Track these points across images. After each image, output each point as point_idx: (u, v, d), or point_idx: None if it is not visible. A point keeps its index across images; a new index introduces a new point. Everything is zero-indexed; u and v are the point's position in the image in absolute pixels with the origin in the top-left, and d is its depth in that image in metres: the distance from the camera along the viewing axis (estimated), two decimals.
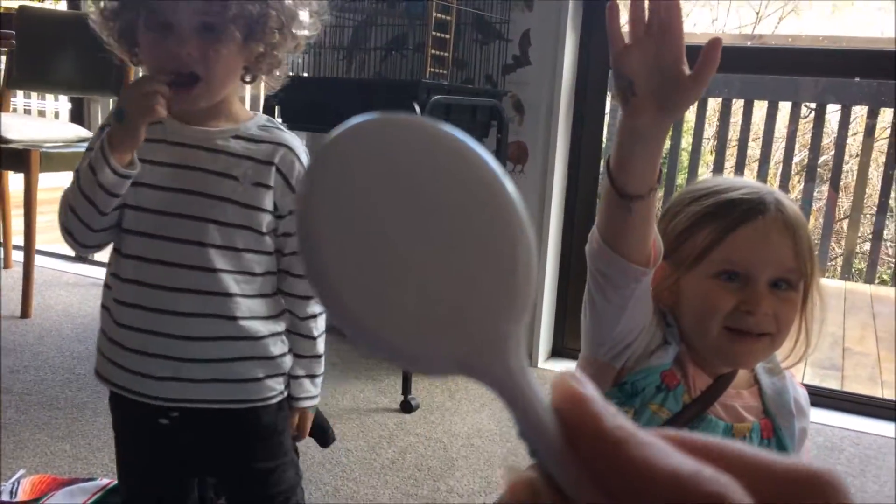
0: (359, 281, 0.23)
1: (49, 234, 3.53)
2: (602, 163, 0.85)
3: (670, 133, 3.92)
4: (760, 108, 3.83)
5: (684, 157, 4.17)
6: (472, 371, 0.24)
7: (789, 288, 0.87)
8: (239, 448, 1.14)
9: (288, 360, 1.16)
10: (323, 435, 1.41)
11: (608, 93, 2.30)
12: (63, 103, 4.58)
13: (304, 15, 1.06)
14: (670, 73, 0.72)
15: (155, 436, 1.13)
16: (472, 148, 0.25)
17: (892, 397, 2.23)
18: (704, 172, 4.08)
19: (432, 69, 2.06)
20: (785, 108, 3.72)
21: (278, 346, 1.14)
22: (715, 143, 4.43)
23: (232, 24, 0.97)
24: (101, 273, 3.04)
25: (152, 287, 1.05)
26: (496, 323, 0.24)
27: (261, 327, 1.11)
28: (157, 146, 1.07)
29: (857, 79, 2.18)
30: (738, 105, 3.97)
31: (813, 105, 3.86)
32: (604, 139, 2.33)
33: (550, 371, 2.29)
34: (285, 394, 1.16)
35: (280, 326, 1.14)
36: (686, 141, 4.15)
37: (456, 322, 0.24)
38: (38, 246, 2.62)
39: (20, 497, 1.38)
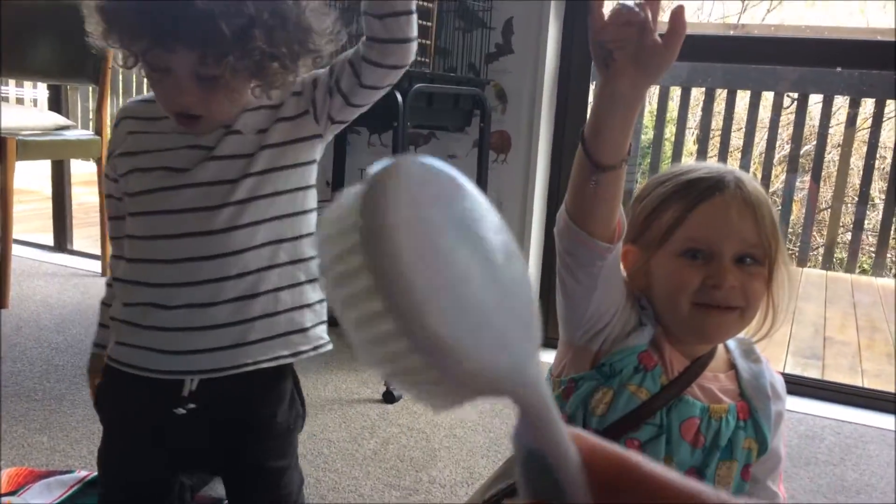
0: (437, 297, 0.26)
1: (27, 224, 3.49)
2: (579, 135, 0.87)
3: (654, 123, 3.92)
4: (743, 98, 3.85)
5: (668, 147, 4.18)
6: (512, 385, 0.28)
7: (755, 263, 0.90)
8: (253, 445, 1.14)
9: (320, 309, 1.16)
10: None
11: (592, 81, 2.30)
12: (41, 91, 4.51)
13: (323, 23, 1.04)
14: (645, 41, 0.75)
15: (165, 430, 1.12)
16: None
17: (872, 386, 2.25)
18: (667, 163, 4.08)
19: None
20: (767, 97, 3.73)
21: (316, 292, 1.14)
22: (698, 132, 4.44)
23: (229, 73, 0.96)
24: (79, 263, 3.01)
25: (188, 260, 1.06)
26: (531, 348, 0.29)
27: (300, 274, 1.11)
28: (165, 136, 1.08)
29: (838, 69, 2.18)
30: (721, 95, 3.98)
31: (795, 95, 3.88)
32: None
33: None
34: (327, 348, 1.15)
35: (313, 269, 1.14)
36: (669, 131, 4.17)
37: (503, 342, 0.27)
38: (16, 235, 2.59)
39: None
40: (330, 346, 1.16)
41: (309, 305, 1.13)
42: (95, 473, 1.42)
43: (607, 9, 0.77)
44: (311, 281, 1.13)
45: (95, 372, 1.19)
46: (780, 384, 0.98)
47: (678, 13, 0.74)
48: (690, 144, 4.67)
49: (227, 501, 1.33)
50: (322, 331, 1.16)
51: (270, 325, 1.09)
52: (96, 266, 2.93)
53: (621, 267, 0.90)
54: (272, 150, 1.08)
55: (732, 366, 0.97)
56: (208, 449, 1.15)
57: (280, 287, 1.10)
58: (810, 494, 1.58)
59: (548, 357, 2.31)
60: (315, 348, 1.14)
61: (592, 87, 2.31)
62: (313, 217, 1.14)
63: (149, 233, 1.08)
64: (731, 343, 0.99)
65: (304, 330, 1.13)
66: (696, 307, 0.88)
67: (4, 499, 1.24)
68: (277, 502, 1.16)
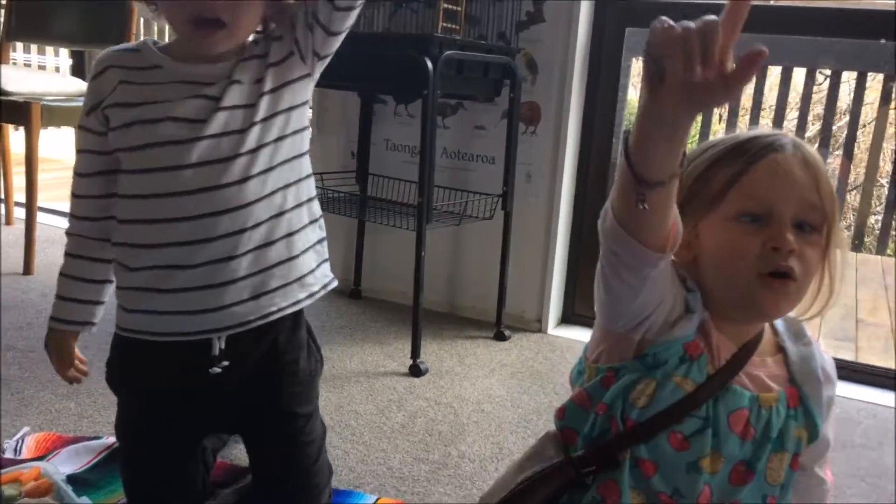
0: None
1: (51, 192, 3.48)
2: (621, 140, 0.81)
3: None
4: (772, 76, 3.75)
5: (692, 128, 4.09)
6: None
7: (813, 231, 0.84)
8: (280, 393, 1.13)
9: (324, 250, 1.16)
10: None
11: (624, 52, 2.24)
12: (64, 59, 4.50)
13: None
14: (704, 72, 0.64)
15: (196, 393, 1.11)
16: None
17: None
18: (694, 139, 3.99)
19: (444, 24, 1.99)
20: (799, 74, 3.64)
21: (316, 231, 1.14)
22: (720, 111, 4.35)
23: None
24: None
25: (209, 216, 1.03)
26: None
27: (305, 216, 1.11)
28: (165, 86, 1.04)
29: (882, 41, 2.11)
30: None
31: (828, 72, 3.78)
32: (619, 101, 2.27)
33: (561, 338, 2.26)
34: (333, 284, 1.15)
35: (316, 210, 1.14)
36: None
37: None
38: (41, 203, 2.58)
39: (24, 455, 1.35)
40: (335, 283, 1.16)
41: (313, 246, 1.12)
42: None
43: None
44: (313, 221, 1.13)
45: (55, 347, 1.17)
46: (831, 366, 0.93)
47: (754, 57, 0.62)
48: (716, 125, 4.58)
49: (246, 460, 1.31)
50: (327, 268, 1.16)
51: (287, 271, 1.09)
52: None
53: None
54: (269, 96, 1.07)
55: (780, 349, 0.92)
56: (235, 406, 1.13)
57: (291, 232, 1.09)
58: (849, 479, 1.55)
59: (575, 334, 2.27)
60: (324, 287, 1.15)
61: (624, 60, 2.25)
62: (308, 158, 1.13)
63: (160, 190, 1.04)
64: (779, 324, 0.94)
65: (313, 270, 1.13)
66: (758, 278, 0.81)
67: (33, 463, 1.23)
68: (303, 449, 1.15)
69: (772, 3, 2.43)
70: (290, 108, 1.09)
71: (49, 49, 4.71)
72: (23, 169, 2.37)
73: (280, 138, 1.07)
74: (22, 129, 2.36)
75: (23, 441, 1.40)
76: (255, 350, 1.10)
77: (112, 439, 1.41)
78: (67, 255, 1.14)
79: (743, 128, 0.93)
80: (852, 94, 3.60)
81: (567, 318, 2.39)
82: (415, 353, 1.90)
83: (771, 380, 0.88)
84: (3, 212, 2.93)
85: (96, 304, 1.16)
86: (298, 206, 1.10)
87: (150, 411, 1.14)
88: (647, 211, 0.72)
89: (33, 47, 4.54)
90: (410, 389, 1.80)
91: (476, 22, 2.16)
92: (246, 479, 1.32)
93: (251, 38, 1.10)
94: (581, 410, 0.91)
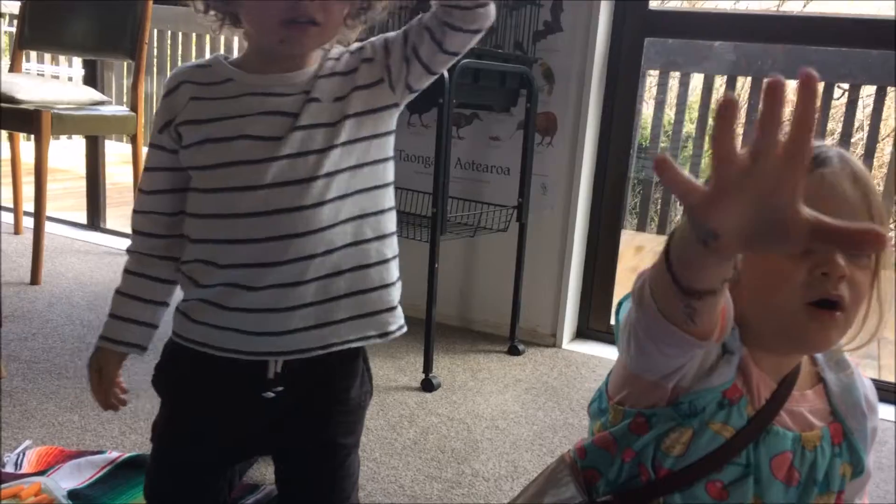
0: None
1: (60, 202, 3.47)
2: (665, 238, 0.71)
3: (697, 113, 3.80)
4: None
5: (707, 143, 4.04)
6: None
7: (862, 254, 0.74)
8: (327, 421, 1.08)
9: (400, 287, 1.10)
10: None
11: (643, 63, 2.20)
12: (77, 69, 4.50)
13: None
14: (778, 214, 0.50)
15: (245, 412, 1.07)
16: None
17: None
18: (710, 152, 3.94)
19: None
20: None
21: (398, 271, 1.09)
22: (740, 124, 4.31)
23: None
24: (112, 241, 2.97)
25: (280, 239, 0.99)
26: None
27: (386, 250, 1.06)
28: (238, 100, 1.02)
29: None
30: (746, 81, 3.85)
31: (846, 85, 3.74)
32: (637, 112, 2.23)
33: (576, 353, 2.20)
34: (404, 329, 1.09)
35: (396, 246, 1.08)
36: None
37: None
38: (50, 213, 2.56)
39: (25, 469, 1.31)
40: (405, 329, 1.09)
41: (394, 283, 1.08)
42: (127, 455, 1.37)
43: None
44: (395, 258, 1.08)
45: (100, 368, 1.11)
46: (873, 393, 0.85)
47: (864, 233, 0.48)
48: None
49: (264, 486, 1.27)
50: (401, 311, 1.11)
51: (358, 304, 1.04)
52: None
53: None
54: (353, 119, 1.02)
55: (820, 379, 0.84)
56: (280, 430, 1.10)
57: (366, 264, 1.04)
58: (879, 500, 1.49)
59: (590, 349, 2.21)
60: (400, 328, 1.09)
61: (643, 70, 2.21)
62: (392, 190, 1.08)
63: (232, 210, 1.00)
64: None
65: (392, 308, 1.07)
66: (804, 308, 0.73)
67: (34, 479, 1.19)
68: (340, 483, 1.11)
69: (786, 11, 2.38)
70: (374, 136, 1.04)
71: (62, 60, 4.71)
72: (32, 179, 2.35)
73: (360, 165, 1.01)
74: (32, 138, 2.34)
75: (24, 455, 1.36)
76: (309, 376, 1.06)
77: (115, 454, 1.37)
78: (126, 272, 1.10)
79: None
80: (866, 110, 3.54)
81: (582, 333, 2.34)
82: (427, 368, 1.85)
83: (813, 415, 0.81)
84: (11, 221, 2.91)
85: (150, 326, 1.10)
86: (378, 238, 1.04)
87: (193, 423, 1.11)
88: (694, 314, 0.64)
89: (47, 57, 4.55)
90: (422, 404, 1.75)
91: (492, 31, 2.13)
92: (253, 497, 1.28)
93: (333, 52, 1.05)
94: (604, 452, 0.85)
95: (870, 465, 0.85)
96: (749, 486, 0.76)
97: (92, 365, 1.11)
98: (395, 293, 1.08)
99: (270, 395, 1.05)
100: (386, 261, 1.05)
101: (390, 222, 1.07)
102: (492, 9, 1.00)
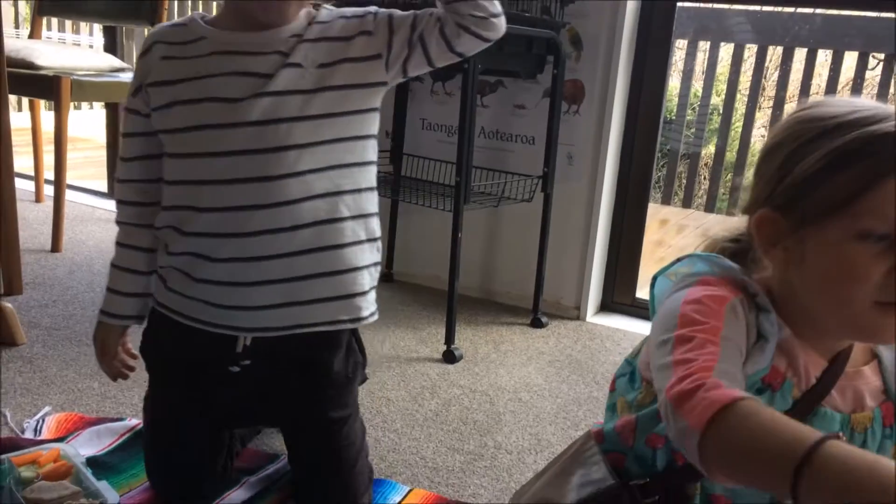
0: None
1: (82, 171, 3.46)
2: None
3: (723, 91, 3.70)
4: (822, 58, 3.60)
5: (738, 118, 3.94)
6: None
7: None
8: (311, 396, 1.06)
9: (377, 275, 1.08)
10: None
11: (675, 29, 2.13)
12: (97, 38, 4.48)
13: None
14: None
15: (218, 383, 1.06)
16: None
17: None
18: (738, 126, 3.84)
19: None
20: (851, 58, 3.48)
21: (374, 253, 1.06)
22: (762, 99, 4.20)
23: None
24: None
25: (242, 209, 0.96)
26: None
27: (361, 231, 1.02)
28: (206, 59, 0.97)
29: None
30: (801, 53, 3.74)
31: (881, 56, 3.62)
32: (672, 79, 2.17)
33: (600, 326, 2.16)
34: (375, 317, 1.07)
35: (375, 228, 1.05)
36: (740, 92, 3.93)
37: None
38: (70, 181, 2.55)
39: (45, 435, 1.30)
40: (376, 317, 1.08)
41: (367, 267, 1.04)
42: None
43: None
44: (370, 240, 1.04)
45: (103, 340, 1.10)
46: None
47: None
48: (757, 112, 4.42)
49: (283, 455, 1.26)
50: (374, 296, 1.07)
51: (328, 285, 1.00)
52: None
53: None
54: (335, 92, 0.97)
55: (875, 355, 0.79)
56: (263, 402, 1.08)
57: (339, 244, 1.00)
58: None
59: (615, 322, 2.16)
60: (372, 314, 1.07)
61: (674, 37, 2.14)
62: (374, 170, 1.04)
63: (192, 176, 0.97)
64: None
65: (364, 293, 1.04)
66: (875, 305, 0.67)
67: (52, 445, 1.18)
68: (339, 453, 1.09)
69: None
70: (356, 112, 1.00)
71: (83, 28, 4.69)
72: (52, 148, 2.33)
73: (338, 140, 0.97)
74: (52, 106, 2.32)
75: (43, 421, 1.35)
76: (283, 349, 1.03)
77: (135, 421, 1.35)
78: (117, 244, 1.09)
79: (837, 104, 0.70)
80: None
81: (606, 306, 2.30)
82: (449, 339, 1.82)
83: (867, 392, 0.76)
84: (32, 189, 2.91)
85: (146, 296, 1.09)
86: (354, 218, 1.00)
87: (174, 391, 1.10)
88: None
89: (67, 25, 4.53)
90: (444, 376, 1.72)
91: None
92: (273, 466, 1.26)
93: (322, 14, 1.00)
94: (621, 440, 0.81)
95: None
96: None
97: (95, 337, 1.11)
98: (369, 277, 1.05)
99: (236, 369, 1.03)
100: (360, 242, 1.01)
101: (369, 203, 1.03)
102: (503, 21, 1.00)
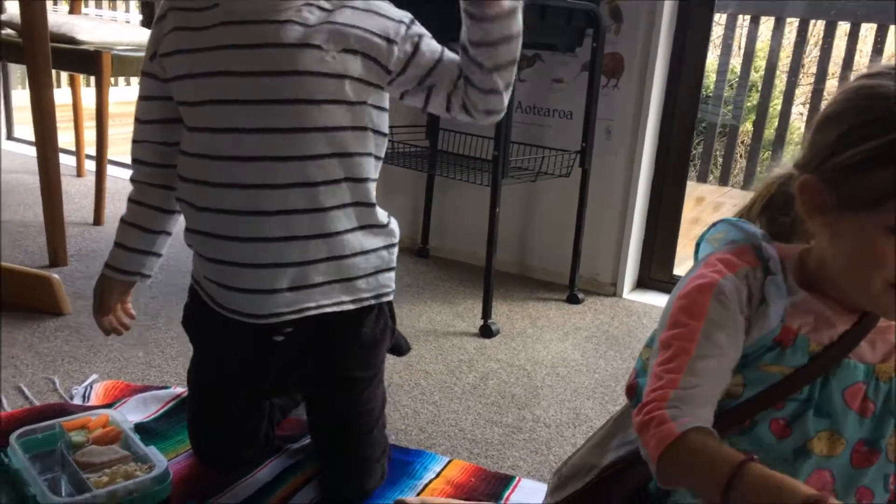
0: None
1: (121, 147, 3.50)
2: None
3: (762, 67, 3.62)
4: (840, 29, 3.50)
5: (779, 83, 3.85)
6: None
7: None
8: (338, 355, 1.08)
9: (391, 256, 1.08)
10: (397, 344, 1.34)
11: (717, 2, 2.09)
12: (134, 15, 4.52)
13: None
14: None
15: (258, 352, 1.07)
16: None
17: None
18: (777, 103, 3.75)
19: None
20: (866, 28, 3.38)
21: (377, 238, 1.07)
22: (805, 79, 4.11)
23: None
24: None
25: (246, 187, 0.96)
26: None
27: (353, 218, 1.02)
28: (216, 30, 0.96)
29: None
30: (844, 28, 3.65)
31: None
32: (709, 54, 2.13)
33: (637, 302, 2.15)
34: (391, 297, 1.08)
35: (382, 217, 1.06)
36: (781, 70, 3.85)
37: None
38: (111, 157, 2.58)
39: (93, 401, 1.34)
40: (391, 297, 1.08)
41: (370, 252, 1.04)
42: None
43: None
44: (369, 226, 1.04)
45: (100, 293, 1.12)
46: None
47: None
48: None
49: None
50: (387, 279, 1.08)
51: (330, 269, 1.01)
52: None
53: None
54: (353, 82, 0.96)
55: None
56: (297, 368, 1.09)
57: (348, 229, 1.00)
58: None
59: (652, 299, 2.15)
60: (377, 296, 1.07)
61: (716, 10, 2.10)
62: (377, 163, 1.04)
63: (204, 151, 0.98)
64: None
65: (365, 276, 1.05)
66: (891, 288, 0.69)
67: (101, 411, 1.21)
68: (359, 418, 1.10)
69: None
70: (375, 107, 1.00)
71: (120, 5, 4.73)
72: (93, 124, 2.36)
73: (339, 128, 0.96)
74: (93, 81, 2.35)
75: (91, 388, 1.38)
76: (318, 315, 1.04)
77: (180, 389, 1.38)
78: (129, 200, 1.10)
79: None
80: None
81: (643, 283, 2.28)
82: (486, 314, 1.83)
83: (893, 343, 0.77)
84: (74, 164, 2.96)
85: (150, 254, 1.11)
86: (362, 205, 1.01)
87: (213, 362, 1.12)
88: None
89: (104, 3, 4.57)
90: (481, 350, 1.73)
91: None
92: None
93: (357, 2, 0.98)
94: None
95: None
96: (809, 420, 0.74)
97: (95, 290, 1.12)
98: (375, 261, 1.05)
99: (280, 338, 1.04)
100: (356, 229, 1.01)
101: (367, 192, 1.03)
102: (505, 99, 1.00)
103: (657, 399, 0.70)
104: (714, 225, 0.84)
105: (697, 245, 0.86)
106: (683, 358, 0.71)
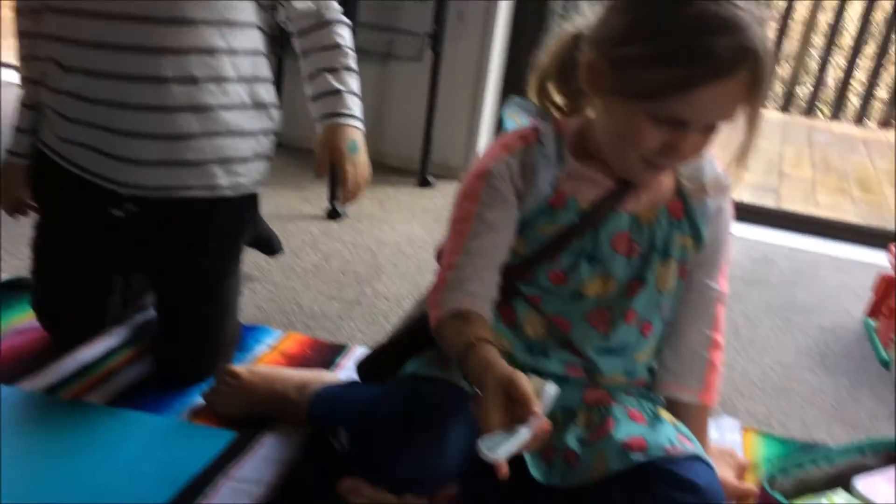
0: None
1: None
2: None
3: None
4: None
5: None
6: None
7: (715, 126, 0.79)
8: (193, 243, 1.06)
9: (268, 143, 1.07)
10: (268, 243, 1.33)
11: None
12: None
13: None
14: None
15: (103, 228, 1.03)
16: None
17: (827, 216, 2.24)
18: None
19: None
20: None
21: (261, 120, 1.04)
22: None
23: None
24: None
25: (126, 49, 0.92)
26: None
27: (245, 96, 1.00)
28: None
29: None
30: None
31: None
32: None
33: None
34: (258, 190, 1.07)
35: (270, 95, 1.03)
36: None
37: None
38: None
39: None
40: (259, 188, 1.07)
41: (253, 133, 1.01)
42: (6, 278, 1.31)
43: None
44: (258, 105, 1.01)
45: (8, 179, 1.08)
46: (726, 179, 0.89)
47: None
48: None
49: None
50: (261, 167, 1.07)
51: (208, 148, 0.98)
52: None
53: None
54: None
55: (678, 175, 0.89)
56: (146, 249, 1.07)
57: (224, 105, 0.97)
58: (762, 313, 1.57)
59: None
60: (254, 183, 1.06)
61: None
62: (263, 36, 1.02)
63: (78, 7, 0.94)
64: None
65: (245, 159, 1.03)
66: (644, 162, 0.80)
67: None
68: (206, 308, 1.08)
69: None
70: None
71: None
72: None
73: None
74: None
75: None
76: (168, 198, 1.02)
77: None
78: (25, 81, 1.06)
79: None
80: None
81: None
82: (332, 196, 1.82)
83: (657, 194, 0.86)
84: None
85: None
86: (240, 81, 0.98)
87: (56, 233, 1.09)
88: None
89: None
90: (327, 232, 1.73)
91: None
92: (142, 315, 1.25)
93: None
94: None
95: (717, 246, 0.90)
96: (582, 269, 0.84)
97: (1, 174, 1.09)
98: (256, 144, 1.03)
99: (119, 213, 1.02)
100: (245, 106, 1.00)
101: (259, 68, 1.01)
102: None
103: (438, 282, 0.84)
104: (507, 105, 0.93)
105: (500, 122, 0.93)
106: (459, 240, 0.84)
